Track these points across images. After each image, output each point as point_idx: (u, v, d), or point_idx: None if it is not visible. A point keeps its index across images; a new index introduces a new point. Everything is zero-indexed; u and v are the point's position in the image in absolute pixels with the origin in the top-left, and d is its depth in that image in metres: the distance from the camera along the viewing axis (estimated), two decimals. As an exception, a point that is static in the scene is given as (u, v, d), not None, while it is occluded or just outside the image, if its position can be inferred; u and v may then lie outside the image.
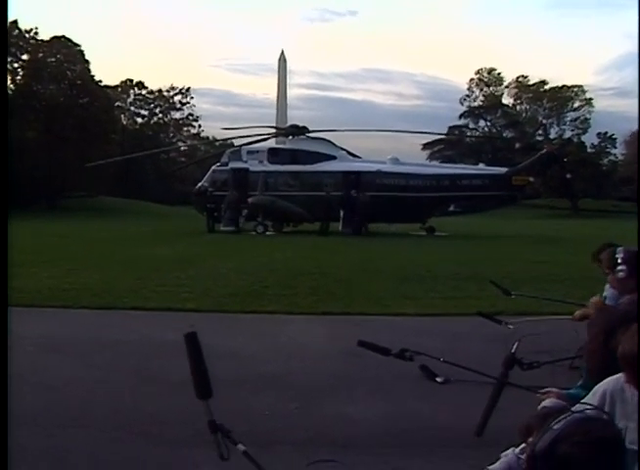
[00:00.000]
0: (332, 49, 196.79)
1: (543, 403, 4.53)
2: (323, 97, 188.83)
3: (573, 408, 2.66)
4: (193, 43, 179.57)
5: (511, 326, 7.78)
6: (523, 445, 2.77)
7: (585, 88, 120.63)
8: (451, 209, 43.34)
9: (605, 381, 3.61)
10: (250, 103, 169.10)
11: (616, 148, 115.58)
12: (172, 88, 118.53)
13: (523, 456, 2.64)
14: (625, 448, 2.68)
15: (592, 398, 3.50)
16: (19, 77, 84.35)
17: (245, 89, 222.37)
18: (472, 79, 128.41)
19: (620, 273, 6.84)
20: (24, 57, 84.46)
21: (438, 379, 8.72)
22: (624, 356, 3.30)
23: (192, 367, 2.98)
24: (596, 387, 3.63)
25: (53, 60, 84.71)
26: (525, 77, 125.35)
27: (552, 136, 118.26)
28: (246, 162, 43.71)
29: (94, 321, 13.33)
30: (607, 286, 7.75)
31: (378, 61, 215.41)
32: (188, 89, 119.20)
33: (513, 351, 6.91)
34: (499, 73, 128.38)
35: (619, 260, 6.86)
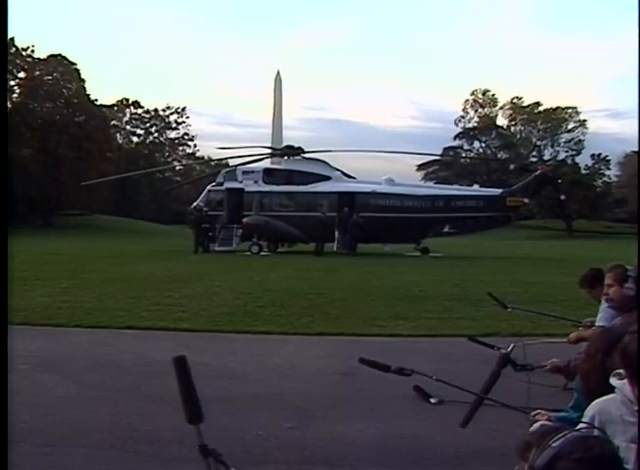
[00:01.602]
0: (327, 69, 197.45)
1: (534, 426, 4.54)
2: (318, 118, 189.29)
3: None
4: (188, 63, 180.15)
5: (503, 350, 7.81)
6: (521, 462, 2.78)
7: (579, 110, 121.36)
8: (446, 229, 43.38)
9: (593, 404, 3.63)
10: (245, 123, 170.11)
11: (609, 169, 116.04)
12: (168, 108, 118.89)
13: None
14: (623, 467, 2.70)
15: (585, 416, 3.53)
16: (15, 95, 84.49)
17: (240, 109, 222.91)
18: (466, 100, 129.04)
19: (630, 291, 6.87)
20: (21, 75, 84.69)
21: (432, 400, 8.74)
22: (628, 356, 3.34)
23: (181, 392, 2.97)
24: (587, 410, 3.65)
25: (49, 78, 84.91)
26: (520, 99, 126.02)
27: (546, 157, 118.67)
28: (241, 182, 43.72)
29: (88, 340, 13.32)
30: (601, 307, 7.75)
31: (373, 81, 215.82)
32: (184, 109, 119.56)
33: (509, 350, 6.95)
34: (494, 95, 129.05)
35: (631, 273, 6.89)
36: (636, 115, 18.15)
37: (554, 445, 2.47)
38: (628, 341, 3.42)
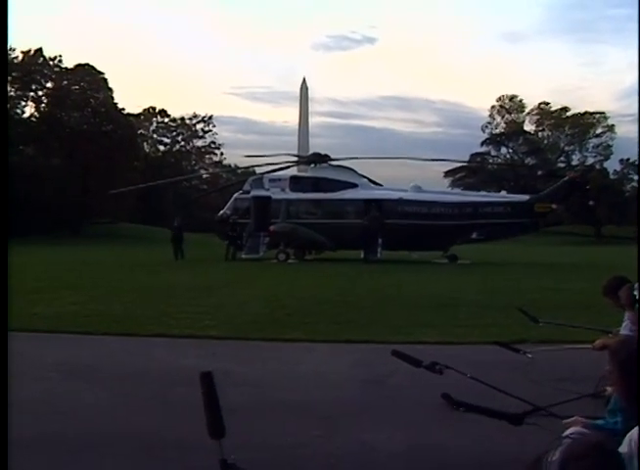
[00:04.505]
0: (351, 77, 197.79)
1: (567, 431, 4.48)
2: (343, 125, 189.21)
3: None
4: (213, 71, 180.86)
5: (530, 355, 7.74)
6: None
7: (607, 114, 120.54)
8: (474, 236, 43.09)
9: (636, 428, 3.55)
10: (270, 131, 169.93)
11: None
12: (195, 116, 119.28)
13: None
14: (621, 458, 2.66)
15: (623, 444, 3.43)
16: (43, 105, 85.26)
17: (265, 117, 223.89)
18: (493, 106, 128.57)
19: None
20: (49, 85, 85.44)
21: (461, 408, 8.64)
22: None
23: (206, 407, 2.99)
24: (629, 434, 3.57)
25: (77, 87, 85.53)
26: (547, 104, 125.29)
27: (574, 163, 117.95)
28: (268, 189, 43.75)
29: (116, 348, 13.38)
30: (626, 315, 7.66)
31: (396, 88, 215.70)
32: (210, 117, 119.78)
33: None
34: (521, 100, 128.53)
35: (638, 297, 6.73)
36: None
37: (554, 459, 2.46)
38: None
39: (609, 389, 6.03)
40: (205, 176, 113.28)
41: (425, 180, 59.85)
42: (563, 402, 6.24)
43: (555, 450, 2.52)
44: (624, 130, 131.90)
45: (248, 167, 63.57)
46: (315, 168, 45.74)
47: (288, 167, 46.44)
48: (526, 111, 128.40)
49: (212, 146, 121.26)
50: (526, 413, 5.53)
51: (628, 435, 3.51)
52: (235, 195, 45.83)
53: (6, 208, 4.44)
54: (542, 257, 49.49)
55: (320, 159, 45.95)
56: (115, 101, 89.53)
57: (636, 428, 3.50)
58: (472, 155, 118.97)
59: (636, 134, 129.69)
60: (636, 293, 6.86)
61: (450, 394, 8.73)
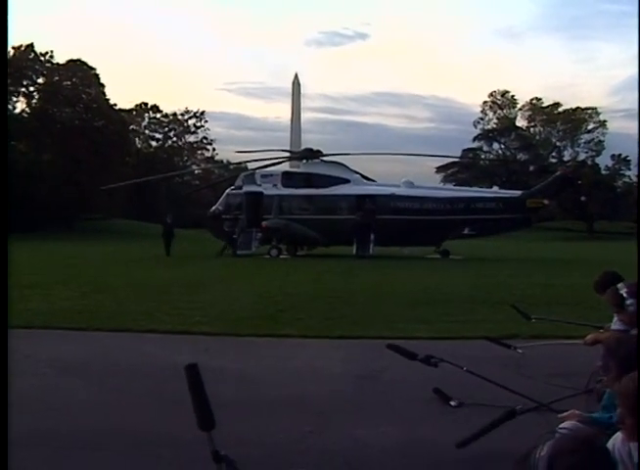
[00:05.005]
0: (343, 73, 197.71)
1: (562, 425, 4.51)
2: (335, 120, 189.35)
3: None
4: (205, 67, 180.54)
5: (520, 350, 7.77)
6: None
7: (599, 110, 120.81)
8: (466, 232, 43.14)
9: (617, 435, 3.57)
10: (262, 126, 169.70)
11: (630, 170, 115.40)
12: (187, 112, 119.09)
13: None
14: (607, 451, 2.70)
15: (608, 444, 3.46)
16: (34, 101, 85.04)
17: (257, 113, 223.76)
18: (485, 102, 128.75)
19: (631, 308, 6.73)
20: (40, 80, 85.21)
21: (452, 403, 8.68)
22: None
23: (193, 399, 3.00)
24: (613, 437, 3.59)
25: (68, 83, 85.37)
26: (539, 100, 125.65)
27: (566, 158, 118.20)
28: (260, 185, 43.75)
29: (108, 344, 13.36)
30: (614, 319, 7.68)
31: (388, 84, 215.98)
32: (202, 113, 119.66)
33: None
34: (513, 96, 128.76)
35: (625, 295, 6.74)
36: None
37: (542, 454, 2.49)
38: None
39: (598, 385, 6.05)
40: (197, 172, 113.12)
41: (417, 176, 60.01)
42: (560, 399, 6.28)
43: (544, 445, 2.55)
44: (616, 126, 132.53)
45: (240, 163, 63.51)
46: (307, 164, 45.75)
47: (280, 163, 46.45)
48: (518, 106, 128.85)
49: (204, 142, 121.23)
50: (523, 411, 5.56)
51: (612, 438, 3.54)
52: (227, 191, 45.80)
53: (6, 206, 4.43)
54: (534, 252, 49.60)
55: (312, 154, 45.97)
56: (107, 96, 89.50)
57: (618, 433, 3.52)
58: (464, 150, 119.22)
59: (628, 130, 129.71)
60: (622, 292, 6.86)
61: (441, 389, 8.81)
